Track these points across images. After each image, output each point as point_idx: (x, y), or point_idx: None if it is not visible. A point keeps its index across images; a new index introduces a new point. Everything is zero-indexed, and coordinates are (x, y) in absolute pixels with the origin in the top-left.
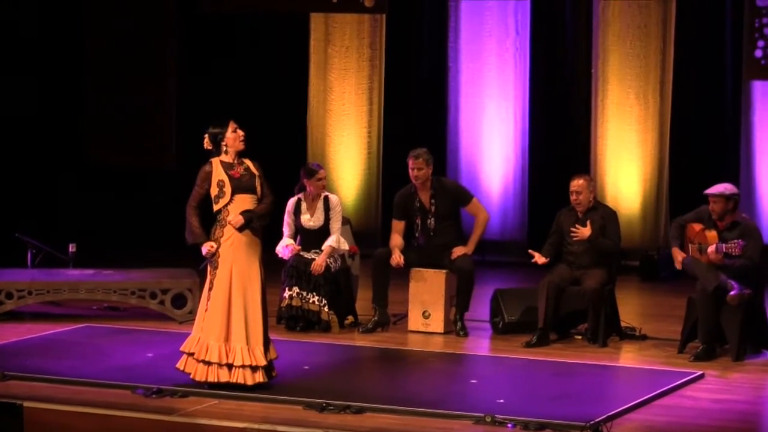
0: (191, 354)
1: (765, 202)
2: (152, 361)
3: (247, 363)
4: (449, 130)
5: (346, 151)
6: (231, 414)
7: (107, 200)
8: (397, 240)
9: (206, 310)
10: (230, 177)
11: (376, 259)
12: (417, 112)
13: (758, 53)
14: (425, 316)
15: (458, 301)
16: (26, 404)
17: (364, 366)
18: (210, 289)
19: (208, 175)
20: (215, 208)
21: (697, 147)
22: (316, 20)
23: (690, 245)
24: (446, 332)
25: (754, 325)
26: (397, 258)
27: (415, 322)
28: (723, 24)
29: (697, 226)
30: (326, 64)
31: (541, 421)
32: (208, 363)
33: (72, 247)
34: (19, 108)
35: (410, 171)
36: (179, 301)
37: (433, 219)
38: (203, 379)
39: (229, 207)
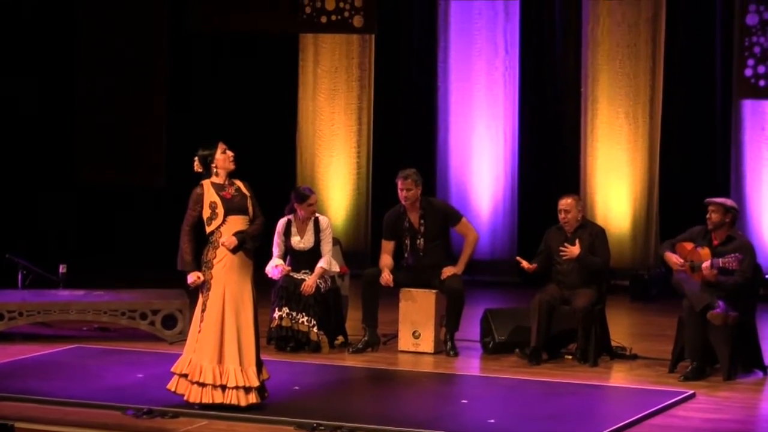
0: (184, 375)
1: (755, 220)
2: (143, 382)
3: (241, 384)
4: (439, 150)
5: (336, 172)
6: None
7: (97, 220)
8: (386, 260)
9: (199, 332)
10: (222, 198)
11: (366, 280)
12: (406, 132)
13: (748, 72)
14: (415, 336)
15: (448, 321)
16: (17, 425)
17: (355, 386)
18: (203, 310)
19: (200, 197)
20: (208, 230)
21: (687, 166)
22: (305, 41)
23: (681, 264)
24: (436, 352)
25: (745, 345)
26: (386, 277)
27: (405, 342)
28: (713, 43)
29: (689, 245)
30: (315, 85)
31: None
32: (202, 384)
33: (62, 268)
34: (9, 128)
35: (399, 192)
36: (169, 321)
37: (422, 239)
38: (197, 401)
39: (221, 228)
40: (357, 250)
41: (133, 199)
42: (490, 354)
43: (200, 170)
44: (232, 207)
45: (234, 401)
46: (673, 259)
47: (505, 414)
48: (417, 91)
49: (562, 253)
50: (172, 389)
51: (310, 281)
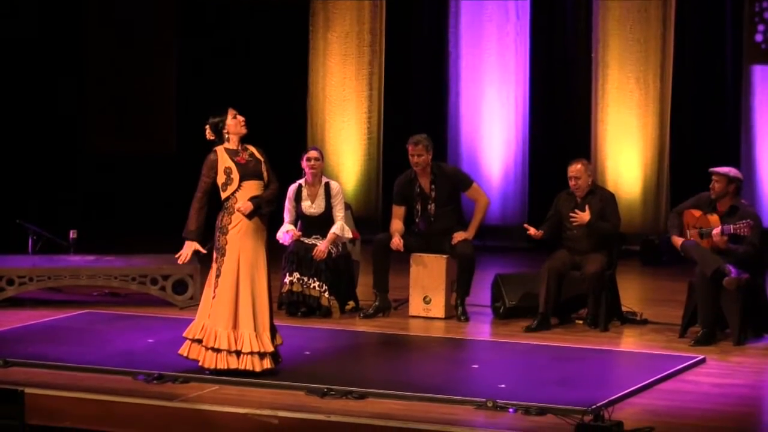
0: (197, 340)
1: (765, 185)
2: (153, 347)
3: (255, 349)
4: (450, 116)
5: (347, 137)
6: (232, 400)
7: (108, 186)
8: (397, 225)
9: (214, 297)
10: (237, 163)
11: (377, 245)
12: (417, 98)
13: (758, 37)
14: (426, 301)
15: (459, 286)
16: (27, 390)
17: (366, 351)
18: (217, 276)
19: (214, 164)
20: (223, 195)
21: (697, 131)
22: (316, 6)
23: (689, 230)
24: (447, 317)
25: (754, 309)
26: (397, 241)
27: (416, 307)
28: (723, 8)
29: (697, 212)
30: (326, 50)
31: (542, 405)
32: (217, 350)
33: (73, 234)
34: (20, 96)
35: (410, 157)
36: (180, 287)
37: (433, 204)
38: (211, 366)
39: (237, 194)
40: (368, 216)
41: (143, 166)
42: (501, 319)
43: (212, 138)
44: (247, 172)
45: (249, 367)
46: (677, 243)
47: (515, 379)
48: (428, 57)
49: (572, 219)
50: (185, 354)
51: (322, 246)
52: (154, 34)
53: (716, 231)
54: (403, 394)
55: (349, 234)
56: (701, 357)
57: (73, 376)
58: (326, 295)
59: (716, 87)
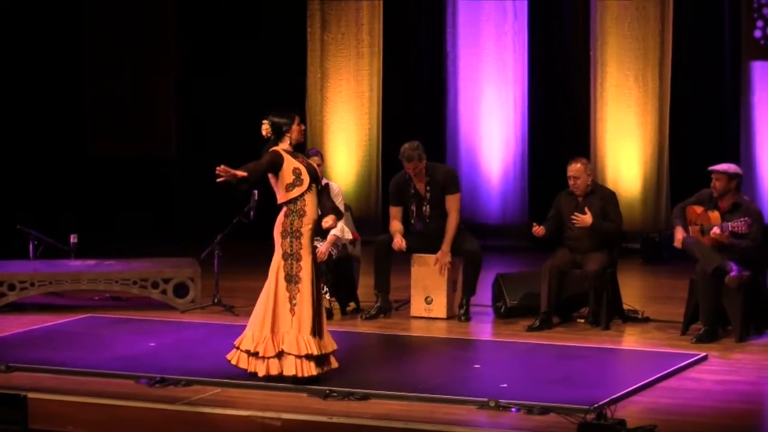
0: (254, 353)
1: (765, 182)
2: (155, 351)
3: (328, 350)
4: (448, 116)
5: (345, 138)
6: (235, 402)
7: (108, 190)
8: (397, 225)
9: (294, 308)
10: (306, 166)
11: (378, 246)
12: (416, 98)
13: (757, 33)
14: (428, 301)
15: (465, 284)
16: (30, 395)
17: (368, 352)
18: (297, 282)
19: (280, 162)
20: (287, 197)
21: (696, 128)
22: (313, 7)
23: (691, 227)
24: (449, 317)
25: (756, 306)
26: (399, 242)
27: (417, 307)
28: (721, 5)
29: (698, 208)
30: (323, 51)
31: (544, 404)
32: (308, 356)
33: (73, 238)
34: (20, 99)
35: (407, 170)
36: (181, 290)
37: (428, 206)
38: (299, 374)
39: (306, 196)
40: (367, 217)
41: (143, 169)
42: (502, 318)
43: (268, 135)
44: (315, 176)
45: (306, 372)
46: (678, 235)
47: (517, 378)
48: (426, 57)
49: (574, 222)
50: (233, 362)
51: (322, 248)
52: (154, 36)
53: (716, 229)
54: (405, 395)
55: (349, 235)
56: (703, 354)
57: (75, 381)
58: (327, 296)
59: (715, 84)
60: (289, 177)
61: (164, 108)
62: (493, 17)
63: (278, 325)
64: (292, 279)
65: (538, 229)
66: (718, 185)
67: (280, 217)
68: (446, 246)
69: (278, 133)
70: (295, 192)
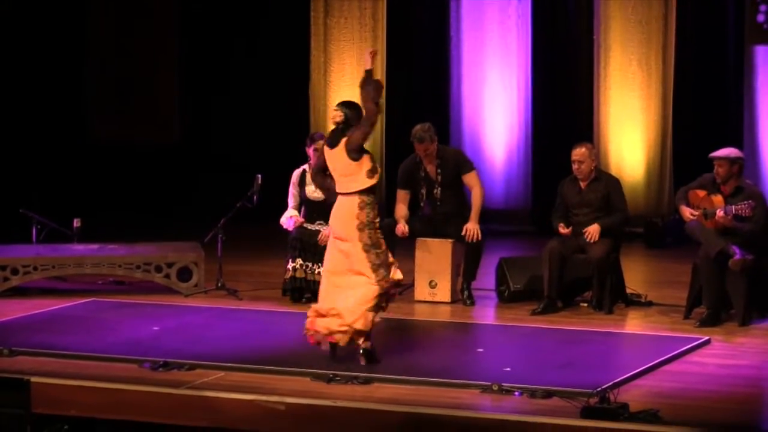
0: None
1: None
2: (158, 335)
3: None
4: (452, 100)
5: None
6: (238, 386)
7: (111, 175)
8: (402, 210)
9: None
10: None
11: (382, 230)
12: (419, 82)
13: (760, 18)
14: (432, 285)
15: (465, 269)
16: (33, 379)
17: (371, 336)
18: (391, 263)
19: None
20: (369, 183)
21: (700, 112)
22: None
23: (695, 211)
24: (453, 301)
25: (759, 290)
26: (402, 227)
27: (421, 292)
28: None
29: (701, 192)
30: (326, 36)
31: (547, 388)
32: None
33: (76, 222)
34: (22, 84)
35: (419, 152)
36: (185, 274)
37: (439, 188)
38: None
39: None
40: None
41: (146, 153)
42: (506, 303)
43: (341, 122)
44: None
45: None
46: (686, 213)
47: (521, 362)
48: (429, 41)
49: (585, 236)
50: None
51: (326, 232)
52: (156, 22)
53: (720, 212)
54: (409, 379)
55: None
56: (706, 338)
57: (78, 365)
58: None
59: (718, 68)
60: (367, 163)
61: (167, 93)
62: (497, 1)
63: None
64: (393, 260)
65: (567, 231)
66: (720, 171)
67: (353, 209)
68: (475, 217)
69: (349, 124)
70: (374, 179)
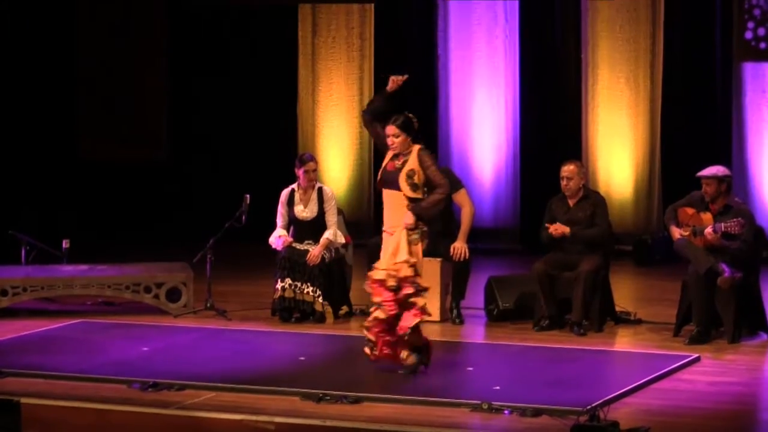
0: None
1: (757, 183)
2: (148, 355)
3: None
4: (440, 119)
5: (337, 141)
6: (228, 406)
7: (99, 194)
8: None
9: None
10: None
11: (371, 249)
12: (407, 101)
13: (748, 35)
14: None
15: (454, 289)
16: (23, 400)
17: (360, 356)
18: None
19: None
20: (413, 195)
21: (688, 130)
22: (304, 11)
23: (683, 228)
24: (442, 320)
25: (749, 307)
26: None
27: None
28: (713, 6)
29: (690, 210)
30: (314, 55)
31: (537, 407)
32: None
33: (65, 243)
34: (11, 103)
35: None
36: (174, 294)
37: None
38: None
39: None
40: (359, 220)
41: (134, 173)
42: (495, 321)
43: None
44: None
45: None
46: (676, 234)
47: (510, 380)
48: (417, 60)
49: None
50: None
51: (315, 251)
52: (145, 40)
53: (708, 230)
54: (399, 398)
55: (341, 239)
56: (696, 356)
57: (68, 386)
58: (320, 300)
59: (707, 85)
60: (421, 176)
61: (155, 112)
62: (485, 20)
63: None
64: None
65: (555, 225)
66: (709, 190)
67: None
68: (463, 236)
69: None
70: (419, 192)
